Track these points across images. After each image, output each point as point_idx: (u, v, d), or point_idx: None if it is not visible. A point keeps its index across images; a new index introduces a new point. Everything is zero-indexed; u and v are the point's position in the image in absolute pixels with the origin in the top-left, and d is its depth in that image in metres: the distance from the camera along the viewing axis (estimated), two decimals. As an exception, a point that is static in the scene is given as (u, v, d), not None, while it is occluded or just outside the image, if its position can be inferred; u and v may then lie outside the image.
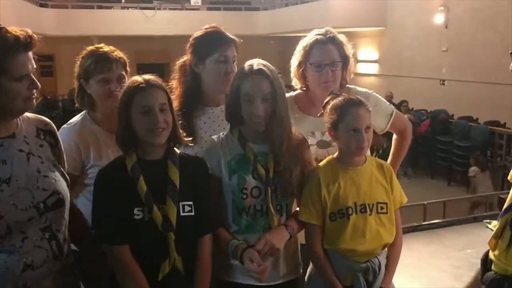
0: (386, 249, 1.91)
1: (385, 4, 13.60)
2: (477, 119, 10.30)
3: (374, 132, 2.00)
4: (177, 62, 2.20)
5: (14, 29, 1.47)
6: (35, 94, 1.52)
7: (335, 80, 2.13)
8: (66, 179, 1.66)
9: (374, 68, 14.44)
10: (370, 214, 1.85)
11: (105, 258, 1.73)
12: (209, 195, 1.79)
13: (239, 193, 1.82)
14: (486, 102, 10.06)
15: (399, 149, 2.42)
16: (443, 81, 11.78)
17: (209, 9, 17.63)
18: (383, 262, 1.88)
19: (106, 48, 2.08)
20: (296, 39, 2.24)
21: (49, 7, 15.52)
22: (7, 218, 1.43)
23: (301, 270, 1.97)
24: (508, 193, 1.69)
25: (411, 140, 2.47)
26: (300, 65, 2.19)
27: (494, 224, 3.83)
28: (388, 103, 2.38)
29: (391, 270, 1.90)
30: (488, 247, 1.73)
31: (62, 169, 1.66)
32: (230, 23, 2.24)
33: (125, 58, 2.10)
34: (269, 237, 1.77)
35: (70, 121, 2.14)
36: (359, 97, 1.90)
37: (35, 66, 1.52)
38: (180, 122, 1.83)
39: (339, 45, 2.16)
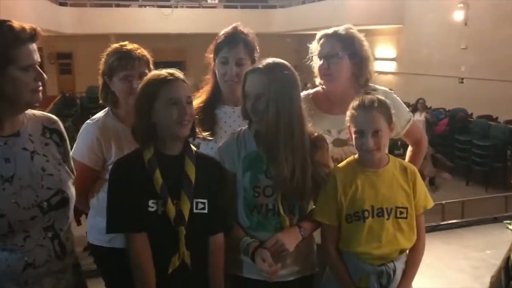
0: (405, 253, 1.86)
1: (403, 1, 13.48)
2: (496, 117, 10.14)
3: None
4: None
5: (17, 22, 1.49)
6: (41, 87, 1.52)
7: (332, 73, 2.09)
8: (71, 178, 1.64)
9: (391, 66, 14.32)
10: (388, 219, 1.81)
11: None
12: (223, 196, 1.79)
13: (251, 191, 1.80)
14: (506, 101, 9.89)
15: (413, 161, 2.38)
16: (462, 79, 11.63)
17: (225, 7, 17.67)
18: (400, 266, 1.84)
19: (130, 46, 2.09)
20: (313, 37, 2.22)
21: (68, 5, 15.73)
22: (9, 216, 1.42)
23: (317, 269, 1.95)
24: None
25: (430, 139, 2.43)
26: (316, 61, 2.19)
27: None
28: (407, 108, 2.34)
29: (409, 275, 1.85)
30: (506, 251, 1.68)
31: (67, 167, 1.65)
32: (247, 21, 2.23)
33: (148, 56, 2.12)
34: (280, 236, 1.76)
35: (94, 117, 2.16)
36: (375, 98, 1.83)
37: (39, 59, 1.53)
38: (201, 117, 1.83)
39: (345, 40, 2.11)
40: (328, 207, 1.85)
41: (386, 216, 1.81)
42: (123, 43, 2.10)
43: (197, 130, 1.84)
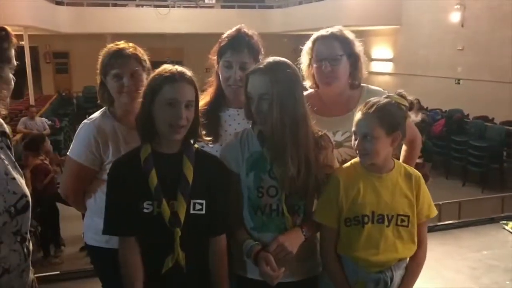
0: (405, 260, 1.83)
1: (400, 2, 13.49)
2: (493, 118, 10.16)
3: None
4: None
5: None
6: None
7: (336, 76, 2.08)
8: (23, 180, 1.60)
9: (388, 67, 14.34)
10: (388, 226, 1.78)
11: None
12: (224, 196, 1.76)
13: (255, 191, 1.79)
14: (503, 102, 9.92)
15: (407, 161, 2.37)
16: (459, 80, 11.66)
17: (223, 7, 17.65)
18: (399, 274, 1.81)
19: (124, 44, 2.08)
20: (310, 37, 2.21)
21: (65, 4, 15.67)
22: None
23: (320, 269, 1.94)
24: None
25: (426, 139, 2.42)
26: (309, 64, 2.17)
27: (511, 226, 3.78)
28: None
29: (407, 284, 1.82)
30: (503, 251, 1.67)
31: (19, 169, 1.60)
32: (244, 21, 2.21)
33: (141, 54, 2.10)
34: (282, 239, 1.74)
35: (91, 116, 2.16)
36: (376, 103, 1.78)
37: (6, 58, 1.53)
38: (205, 120, 1.82)
39: (343, 41, 2.11)
40: (328, 208, 1.82)
41: (386, 223, 1.78)
42: (118, 42, 2.10)
43: (201, 134, 1.81)
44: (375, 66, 14.09)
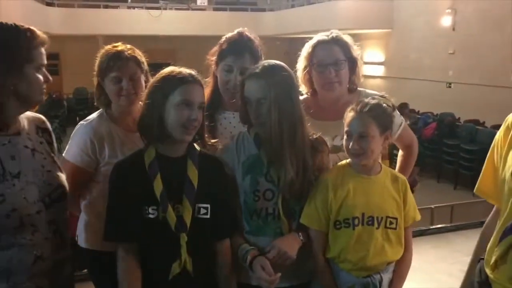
0: (392, 264, 1.82)
1: (392, 6, 13.57)
2: (483, 122, 10.24)
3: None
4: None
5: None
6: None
7: (340, 81, 2.07)
8: (62, 173, 1.71)
9: (380, 70, 14.40)
10: (377, 228, 1.77)
11: None
12: (228, 199, 1.75)
13: (251, 195, 1.78)
14: (493, 106, 9.99)
15: (404, 166, 2.36)
16: (450, 83, 11.73)
17: (215, 9, 17.65)
18: (387, 277, 1.80)
19: (122, 46, 2.06)
20: (302, 40, 2.20)
21: (56, 5, 15.59)
22: (20, 211, 1.48)
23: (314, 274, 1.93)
24: None
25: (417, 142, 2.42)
26: (305, 68, 2.15)
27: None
28: (398, 113, 2.33)
29: (395, 286, 1.82)
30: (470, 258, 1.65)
31: (59, 164, 1.72)
32: (236, 24, 2.20)
33: (140, 57, 2.08)
34: (280, 245, 1.73)
35: (87, 118, 2.13)
36: (371, 103, 1.79)
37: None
38: (206, 123, 1.80)
39: (344, 45, 2.10)
40: (317, 211, 1.80)
41: (376, 225, 1.77)
42: (116, 44, 2.07)
43: (205, 137, 1.80)
44: (366, 70, 14.13)
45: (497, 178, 1.55)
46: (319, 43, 2.09)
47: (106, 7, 16.58)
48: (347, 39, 2.12)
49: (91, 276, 2.15)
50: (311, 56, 2.09)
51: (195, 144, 1.74)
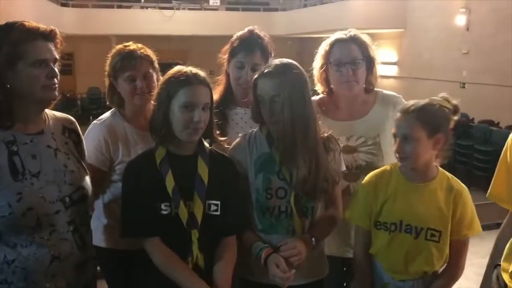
0: (430, 275, 1.77)
1: (405, 5, 13.45)
2: (498, 123, 10.11)
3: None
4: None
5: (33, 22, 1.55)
6: (56, 84, 1.56)
7: (357, 80, 2.06)
8: (88, 175, 1.72)
9: (393, 70, 14.29)
10: (416, 238, 1.72)
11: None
12: (238, 196, 1.76)
13: (264, 193, 1.79)
14: (508, 106, 9.87)
15: None
16: (464, 84, 11.60)
17: (227, 9, 17.66)
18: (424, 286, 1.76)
19: (134, 46, 2.08)
20: (314, 40, 2.19)
21: (70, 6, 15.72)
22: (37, 210, 1.49)
23: (327, 271, 1.93)
24: None
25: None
26: (322, 67, 2.14)
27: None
28: None
29: None
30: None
31: (84, 165, 1.73)
32: (248, 24, 2.21)
33: (152, 55, 2.10)
34: (296, 242, 1.73)
35: (101, 117, 2.16)
36: (418, 104, 1.72)
37: (56, 57, 1.58)
38: (216, 120, 1.81)
39: (361, 44, 2.09)
40: (358, 207, 1.82)
41: (414, 234, 1.72)
42: (126, 44, 2.09)
43: (216, 135, 1.81)
44: (380, 69, 14.01)
45: (510, 182, 1.53)
46: (337, 42, 2.08)
47: (119, 7, 16.69)
48: (365, 38, 2.11)
49: (104, 274, 2.17)
50: (328, 55, 2.09)
51: (205, 142, 1.75)
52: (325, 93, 2.19)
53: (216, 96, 2.08)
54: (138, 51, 2.05)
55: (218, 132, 1.84)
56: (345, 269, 2.17)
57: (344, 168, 1.93)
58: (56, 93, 1.58)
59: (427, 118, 1.69)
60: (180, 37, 16.53)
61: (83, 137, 1.81)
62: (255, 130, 1.89)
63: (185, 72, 1.68)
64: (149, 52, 2.10)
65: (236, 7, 17.42)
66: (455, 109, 1.76)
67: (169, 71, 1.73)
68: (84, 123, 2.18)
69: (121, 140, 2.05)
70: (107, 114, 2.15)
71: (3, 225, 1.47)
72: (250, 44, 2.06)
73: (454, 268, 1.78)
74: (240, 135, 1.92)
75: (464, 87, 11.61)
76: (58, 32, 1.59)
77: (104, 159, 2.03)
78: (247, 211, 1.81)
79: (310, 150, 1.76)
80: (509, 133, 1.60)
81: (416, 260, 1.74)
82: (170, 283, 1.64)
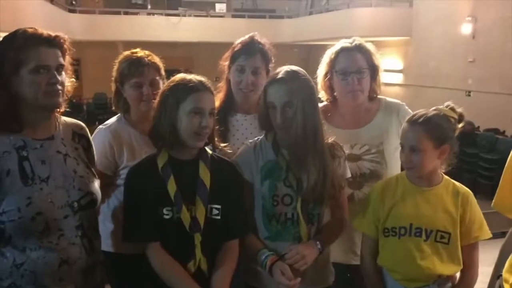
0: (448, 280, 1.77)
1: (410, 13, 13.47)
2: (504, 131, 10.07)
3: None
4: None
5: (39, 29, 1.55)
6: (59, 91, 1.56)
7: (362, 89, 2.07)
8: (97, 181, 1.73)
9: (398, 78, 14.28)
10: (426, 240, 1.73)
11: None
12: (239, 201, 1.77)
13: (270, 200, 1.79)
14: (514, 115, 9.84)
15: None
16: (469, 92, 11.58)
17: (233, 16, 17.72)
18: None
19: (141, 52, 2.10)
20: (320, 48, 2.20)
21: (78, 12, 15.82)
22: (46, 214, 1.51)
23: (333, 279, 1.93)
24: None
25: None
26: (326, 75, 2.14)
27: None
28: None
29: None
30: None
31: (94, 170, 1.74)
32: (254, 31, 2.23)
33: (159, 63, 2.13)
34: (301, 249, 1.73)
35: (106, 122, 2.18)
36: (425, 115, 1.74)
37: (61, 63, 1.56)
38: (217, 127, 1.83)
39: (366, 53, 2.10)
40: (366, 215, 1.82)
41: (424, 237, 1.73)
42: (134, 50, 2.11)
43: (216, 140, 1.83)
44: (385, 77, 13.99)
45: None
46: (343, 50, 2.08)
47: (126, 13, 16.77)
48: (370, 47, 2.12)
49: (109, 278, 2.17)
50: (333, 63, 2.09)
51: (206, 148, 1.77)
52: (328, 101, 2.19)
53: (216, 103, 2.10)
54: (145, 58, 2.07)
55: (217, 138, 1.85)
56: (349, 275, 2.17)
57: (349, 174, 1.94)
58: (60, 99, 1.58)
59: (434, 130, 1.71)
60: (186, 43, 16.60)
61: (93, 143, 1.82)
62: (260, 137, 1.90)
63: (191, 79, 1.70)
64: (156, 59, 2.13)
65: (242, 14, 17.47)
66: (460, 118, 1.78)
67: (172, 78, 1.75)
68: (90, 128, 2.20)
69: (126, 145, 2.07)
70: (112, 119, 2.17)
71: (12, 229, 1.48)
72: (250, 48, 2.08)
73: (469, 273, 1.79)
74: (245, 142, 1.93)
75: (469, 95, 11.58)
76: (65, 38, 1.59)
77: (109, 163, 2.05)
78: (249, 215, 1.81)
79: (319, 156, 1.77)
80: (514, 142, 1.59)
81: (429, 263, 1.73)
82: None
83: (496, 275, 1.60)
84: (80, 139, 1.73)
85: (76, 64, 18.60)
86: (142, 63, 2.05)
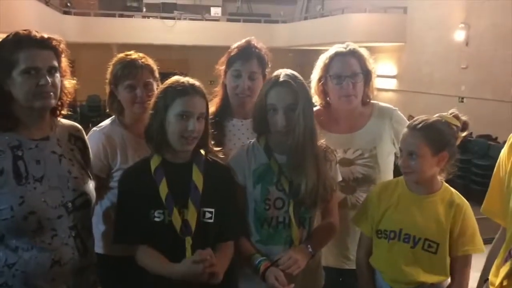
0: (430, 286, 1.76)
1: (405, 19, 13.54)
2: (496, 138, 10.13)
3: None
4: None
5: (32, 31, 1.56)
6: (51, 93, 1.56)
7: (356, 93, 2.08)
8: (92, 182, 1.74)
9: (392, 84, 14.35)
10: (413, 247, 1.74)
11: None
12: (232, 204, 1.77)
13: (262, 204, 1.79)
14: (506, 121, 9.88)
15: None
16: (462, 98, 11.64)
17: (229, 20, 17.73)
18: None
19: (135, 55, 2.11)
20: (315, 52, 2.21)
21: (72, 14, 15.78)
22: (39, 214, 1.51)
23: (323, 282, 1.93)
24: None
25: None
26: (320, 79, 2.15)
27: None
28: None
29: None
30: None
31: (89, 172, 1.74)
32: (249, 35, 2.24)
33: (153, 65, 2.13)
34: (293, 253, 1.74)
35: (100, 124, 2.18)
36: (423, 121, 1.74)
37: (53, 65, 1.57)
38: (212, 131, 1.83)
39: (360, 58, 2.11)
40: (364, 215, 1.86)
41: (411, 243, 1.74)
42: (128, 53, 2.12)
43: (211, 145, 1.83)
44: (379, 83, 14.04)
45: (502, 197, 1.54)
46: (337, 55, 2.09)
47: (121, 16, 16.74)
48: (364, 52, 2.13)
49: (100, 279, 2.17)
50: (327, 67, 2.10)
51: (201, 151, 1.77)
52: (321, 106, 2.20)
53: (213, 107, 2.10)
54: (139, 60, 2.07)
55: (213, 142, 1.85)
56: (341, 279, 2.18)
57: (340, 178, 1.94)
58: (52, 101, 1.58)
59: (433, 136, 1.71)
60: (181, 47, 16.58)
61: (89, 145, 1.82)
62: (252, 141, 1.90)
63: (182, 82, 1.71)
64: (150, 61, 2.13)
65: (237, 18, 17.49)
66: (464, 126, 1.78)
67: (166, 81, 1.75)
68: (84, 130, 2.20)
69: (119, 147, 2.06)
70: (106, 122, 2.16)
71: (5, 227, 1.49)
72: (247, 53, 2.08)
73: (456, 285, 1.78)
74: (238, 146, 1.93)
75: (462, 101, 11.65)
76: (59, 40, 1.59)
77: (103, 165, 2.05)
78: (242, 218, 1.81)
79: (316, 160, 1.78)
80: (507, 148, 1.62)
81: (412, 269, 1.75)
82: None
83: (484, 279, 1.61)
84: (76, 141, 1.74)
85: (71, 66, 18.57)
86: (136, 65, 2.05)
